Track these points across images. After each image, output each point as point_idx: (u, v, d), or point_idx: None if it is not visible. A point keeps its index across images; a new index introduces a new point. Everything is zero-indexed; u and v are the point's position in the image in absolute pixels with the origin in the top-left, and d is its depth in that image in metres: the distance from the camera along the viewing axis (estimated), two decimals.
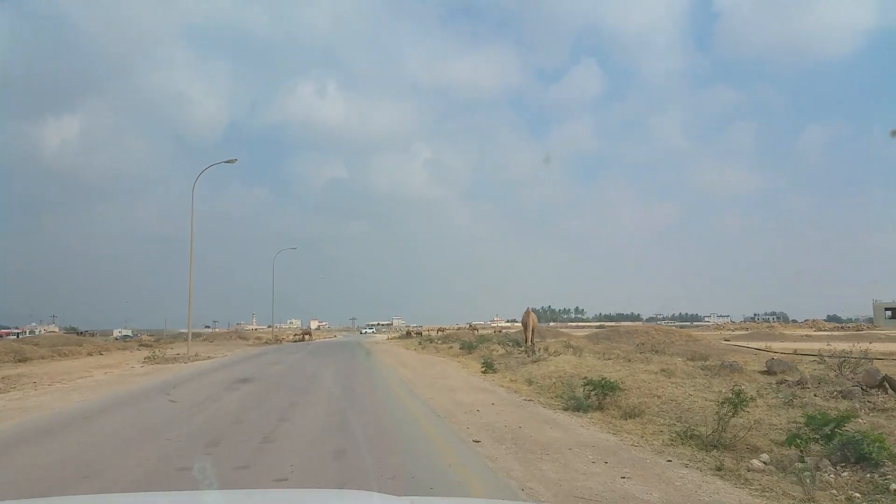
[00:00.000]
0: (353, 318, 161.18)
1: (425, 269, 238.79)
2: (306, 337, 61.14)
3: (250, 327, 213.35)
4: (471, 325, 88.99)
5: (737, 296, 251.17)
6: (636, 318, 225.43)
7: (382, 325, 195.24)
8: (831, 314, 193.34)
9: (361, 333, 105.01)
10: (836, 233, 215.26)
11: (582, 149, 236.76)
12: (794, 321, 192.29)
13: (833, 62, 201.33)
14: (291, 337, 61.86)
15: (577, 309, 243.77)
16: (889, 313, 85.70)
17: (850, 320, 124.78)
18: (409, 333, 63.19)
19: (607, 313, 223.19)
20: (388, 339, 61.91)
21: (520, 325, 29.75)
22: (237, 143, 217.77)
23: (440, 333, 63.81)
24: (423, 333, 60.02)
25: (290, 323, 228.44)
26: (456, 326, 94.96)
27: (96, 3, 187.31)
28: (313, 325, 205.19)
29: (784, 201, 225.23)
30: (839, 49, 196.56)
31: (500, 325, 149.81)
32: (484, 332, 68.24)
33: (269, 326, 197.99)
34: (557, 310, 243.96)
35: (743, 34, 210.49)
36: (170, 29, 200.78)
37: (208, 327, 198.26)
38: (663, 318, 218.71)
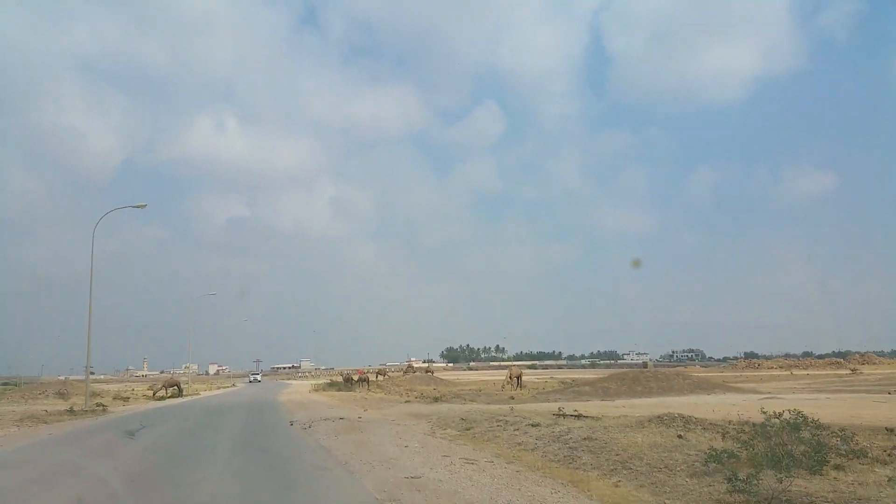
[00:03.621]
0: (258, 361, 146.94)
1: (332, 310, 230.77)
2: (167, 391, 41.70)
3: (141, 373, 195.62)
4: (409, 365, 79.86)
5: (646, 333, 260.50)
6: (557, 356, 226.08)
7: (288, 368, 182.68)
8: (747, 351, 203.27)
9: (250, 382, 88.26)
10: (729, 272, 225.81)
11: (484, 188, 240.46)
12: (710, 358, 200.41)
13: (721, 107, 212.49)
14: (151, 391, 42.15)
15: (497, 347, 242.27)
16: None
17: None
18: (348, 379, 47.98)
19: (528, 351, 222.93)
20: (311, 388, 50.28)
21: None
22: (133, 179, 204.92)
23: (381, 378, 54.30)
24: (357, 377, 49.27)
25: (186, 367, 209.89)
26: (376, 368, 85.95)
27: None
28: (212, 369, 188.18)
29: (674, 240, 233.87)
30: (727, 95, 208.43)
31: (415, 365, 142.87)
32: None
33: (162, 372, 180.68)
34: (477, 348, 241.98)
35: (634, 79, 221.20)
36: (59, 61, 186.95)
37: (92, 372, 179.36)
38: (584, 357, 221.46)
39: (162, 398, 39.35)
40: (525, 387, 40.03)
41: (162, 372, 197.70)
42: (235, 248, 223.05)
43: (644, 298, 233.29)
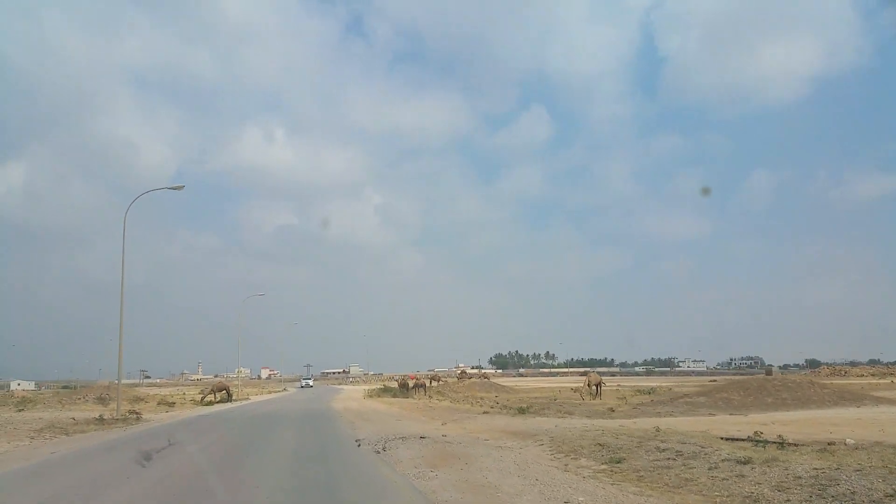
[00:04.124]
0: (308, 365, 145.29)
1: (379, 316, 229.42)
2: (216, 396, 38.46)
3: (196, 377, 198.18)
4: (463, 371, 75.30)
5: (699, 341, 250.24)
6: (609, 363, 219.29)
7: (338, 373, 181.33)
8: (809, 358, 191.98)
9: (302, 387, 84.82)
10: (785, 279, 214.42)
11: (531, 194, 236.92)
12: (770, 366, 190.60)
13: (778, 108, 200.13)
14: (200, 395, 39.10)
15: (547, 354, 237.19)
16: None
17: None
18: (404, 385, 44.15)
19: (579, 358, 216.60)
20: (365, 394, 46.40)
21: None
22: (185, 190, 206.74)
23: (436, 383, 49.89)
24: (412, 383, 45.00)
25: (238, 371, 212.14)
26: (428, 373, 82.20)
27: (38, 48, 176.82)
28: (264, 373, 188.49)
29: (730, 245, 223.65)
30: (785, 95, 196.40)
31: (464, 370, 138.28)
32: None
33: (216, 376, 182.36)
34: (526, 355, 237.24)
35: (688, 80, 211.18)
36: (114, 74, 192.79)
37: (147, 377, 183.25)
38: (637, 364, 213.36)
39: (210, 403, 36.18)
40: (601, 396, 35.01)
41: (216, 376, 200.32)
42: (284, 256, 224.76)
43: (697, 305, 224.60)
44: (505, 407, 25.17)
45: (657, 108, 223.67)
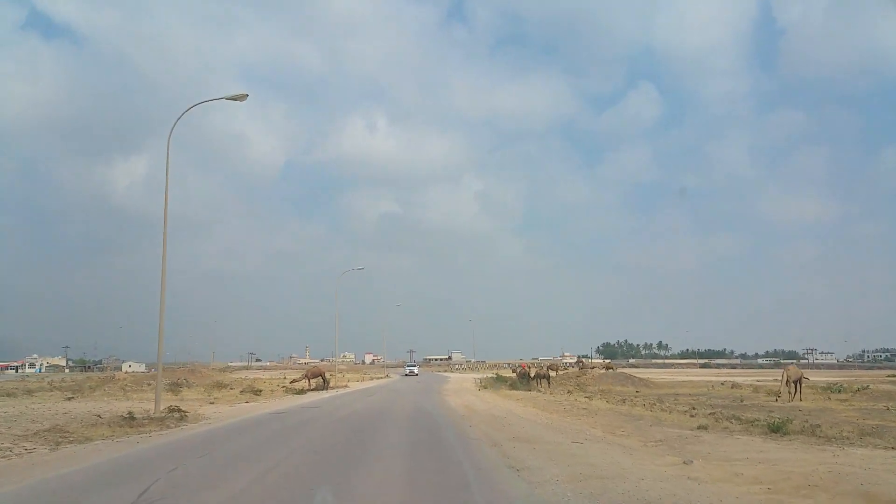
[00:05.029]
0: (412, 351, 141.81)
1: (481, 303, 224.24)
2: (310, 383, 33.08)
3: (303, 360, 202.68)
4: (580, 360, 66.12)
5: (825, 331, 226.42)
6: (729, 354, 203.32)
7: (441, 360, 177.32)
8: None
9: (406, 374, 76.64)
10: None
11: (639, 177, 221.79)
12: None
13: None
14: (290, 382, 33.81)
15: (660, 344, 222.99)
16: None
17: None
18: (524, 375, 36.64)
19: (694, 349, 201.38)
20: (478, 385, 39.43)
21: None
22: (294, 179, 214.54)
23: (553, 373, 40.90)
24: (533, 373, 37.04)
25: (343, 356, 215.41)
26: (544, 362, 74.26)
27: (155, 47, 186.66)
28: (368, 358, 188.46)
29: (858, 229, 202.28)
30: None
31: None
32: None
33: (322, 360, 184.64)
34: (636, 344, 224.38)
35: (810, 52, 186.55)
36: (225, 68, 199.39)
37: (258, 360, 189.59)
38: (758, 356, 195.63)
39: (302, 391, 30.50)
40: (801, 395, 25.34)
41: (322, 360, 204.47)
42: (387, 244, 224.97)
43: (823, 293, 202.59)
44: (712, 414, 16.49)
45: (776, 83, 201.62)
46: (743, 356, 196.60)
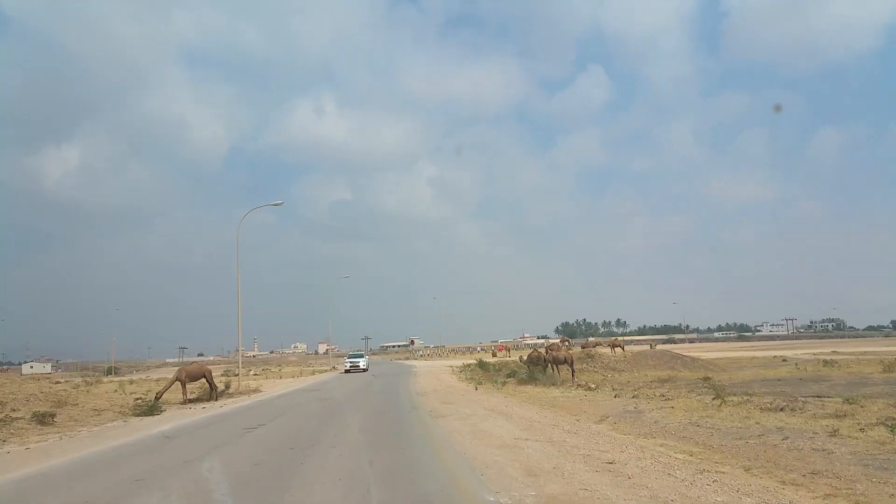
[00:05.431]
0: (366, 338, 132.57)
1: (439, 289, 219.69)
2: (185, 391, 22.28)
3: (251, 353, 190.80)
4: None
5: (773, 304, 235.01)
6: (685, 329, 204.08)
7: (399, 346, 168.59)
8: (895, 319, 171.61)
9: (348, 370, 48.66)
10: (855, 237, 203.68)
11: (590, 160, 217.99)
12: (851, 328, 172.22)
13: (848, 62, 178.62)
14: (156, 396, 20.14)
15: (618, 321, 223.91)
16: None
17: None
18: (537, 360, 27.66)
19: (651, 325, 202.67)
20: (463, 378, 30.27)
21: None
22: (240, 166, 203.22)
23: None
24: (555, 354, 28.18)
25: (294, 347, 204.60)
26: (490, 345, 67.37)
27: (86, 28, 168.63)
28: (321, 348, 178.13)
29: (798, 206, 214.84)
30: (855, 47, 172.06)
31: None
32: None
33: (272, 352, 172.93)
34: (595, 323, 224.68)
35: (753, 35, 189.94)
36: (165, 50, 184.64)
37: (200, 355, 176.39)
38: (711, 330, 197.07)
39: (153, 410, 18.40)
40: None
41: (272, 352, 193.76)
42: (342, 231, 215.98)
43: (769, 268, 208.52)
44: None
45: (721, 65, 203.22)
46: (697, 331, 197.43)
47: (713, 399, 13.87)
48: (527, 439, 10.38)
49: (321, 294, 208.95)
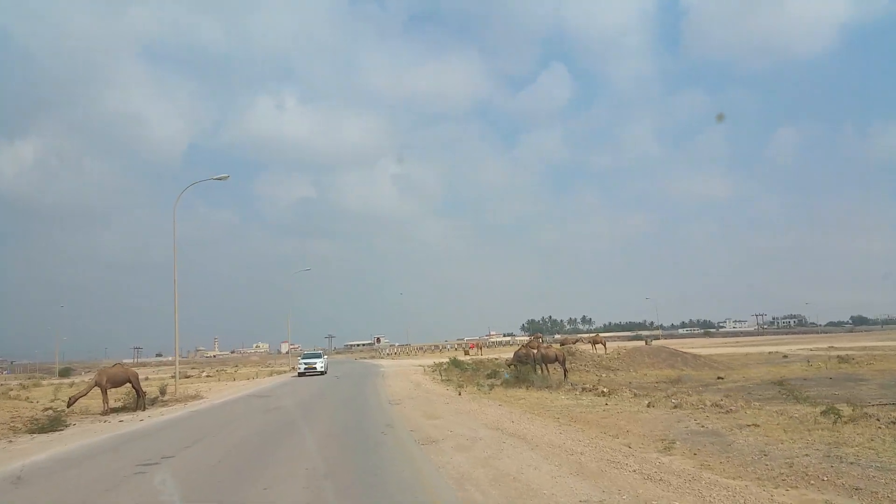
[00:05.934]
0: (331, 336, 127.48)
1: (405, 287, 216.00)
2: (106, 399, 17.76)
3: (211, 353, 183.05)
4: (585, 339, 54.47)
5: (736, 301, 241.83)
6: (650, 326, 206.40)
7: (364, 345, 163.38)
8: (855, 315, 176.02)
9: (300, 371, 39.93)
10: (813, 234, 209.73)
11: (553, 158, 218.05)
12: (813, 324, 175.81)
13: (806, 61, 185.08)
14: (68, 403, 16.93)
15: (583, 318, 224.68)
16: None
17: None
18: (523, 360, 24.13)
19: (617, 322, 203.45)
20: (440, 380, 25.75)
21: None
22: (200, 163, 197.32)
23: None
24: (546, 352, 24.19)
25: (256, 347, 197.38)
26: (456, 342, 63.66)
27: (39, 21, 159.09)
28: (284, 347, 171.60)
29: (757, 203, 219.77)
30: (812, 47, 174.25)
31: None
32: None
33: (233, 352, 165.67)
34: (560, 320, 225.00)
35: (712, 33, 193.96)
36: (122, 46, 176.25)
37: (158, 355, 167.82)
38: (676, 327, 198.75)
39: (56, 426, 14.37)
40: None
41: (233, 352, 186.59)
42: (305, 229, 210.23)
43: (731, 265, 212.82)
44: None
45: (680, 64, 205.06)
46: (662, 327, 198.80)
47: (812, 412, 9.93)
48: (601, 502, 6.04)
49: (284, 292, 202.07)
